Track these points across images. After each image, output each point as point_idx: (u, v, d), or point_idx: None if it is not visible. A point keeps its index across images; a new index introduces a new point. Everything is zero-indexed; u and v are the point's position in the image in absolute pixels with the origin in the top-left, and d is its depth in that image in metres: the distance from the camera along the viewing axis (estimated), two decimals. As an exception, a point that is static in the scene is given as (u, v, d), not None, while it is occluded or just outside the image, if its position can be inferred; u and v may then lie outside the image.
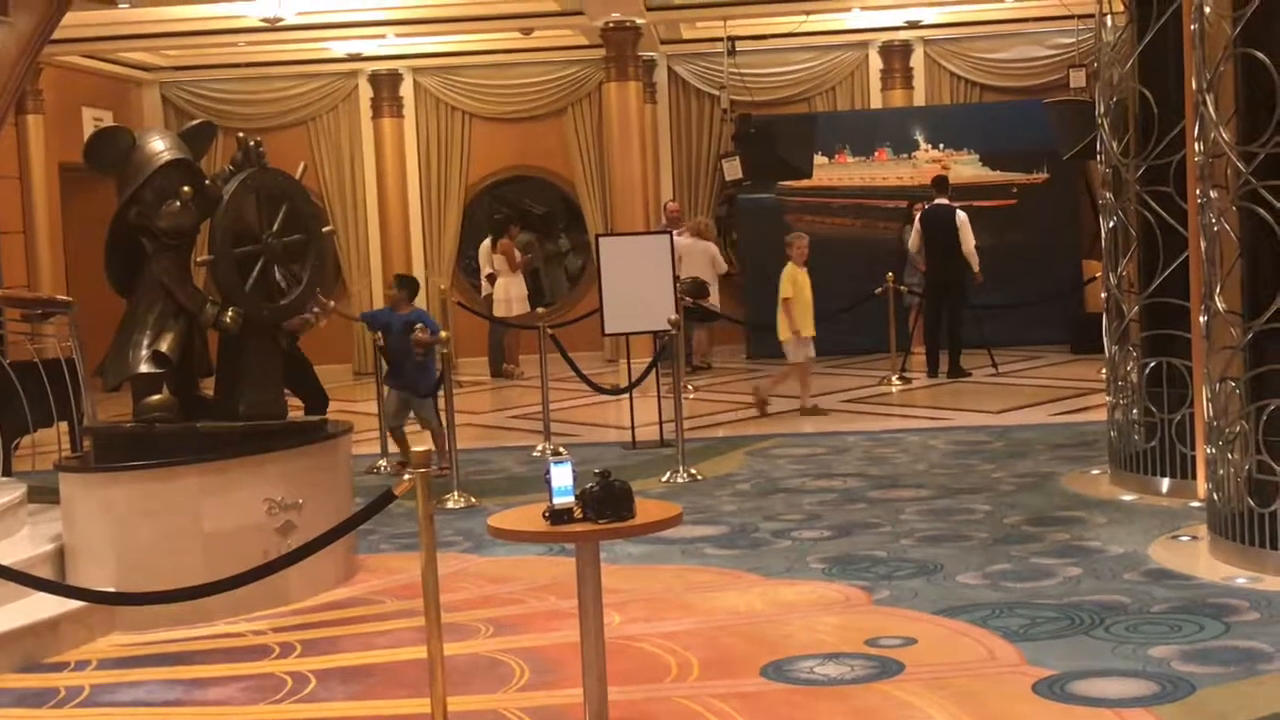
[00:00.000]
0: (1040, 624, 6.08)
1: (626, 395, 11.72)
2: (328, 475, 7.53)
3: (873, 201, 17.81)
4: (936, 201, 15.22)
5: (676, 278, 13.00)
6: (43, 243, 15.83)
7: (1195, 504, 7.97)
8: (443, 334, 10.15)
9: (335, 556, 7.24)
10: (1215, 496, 7.10)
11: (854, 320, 15.39)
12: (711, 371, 16.78)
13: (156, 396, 7.23)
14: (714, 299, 16.43)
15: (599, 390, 12.00)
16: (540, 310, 13.19)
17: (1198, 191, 7.30)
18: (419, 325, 10.53)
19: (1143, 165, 8.45)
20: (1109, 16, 8.95)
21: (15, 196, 15.52)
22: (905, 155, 17.93)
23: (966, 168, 17.78)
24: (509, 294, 16.91)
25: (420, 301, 18.60)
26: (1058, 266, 17.01)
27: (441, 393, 9.97)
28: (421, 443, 9.56)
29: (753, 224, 17.40)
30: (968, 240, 14.87)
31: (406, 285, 11.05)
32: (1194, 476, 8.16)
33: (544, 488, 4.84)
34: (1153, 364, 8.52)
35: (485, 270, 17.40)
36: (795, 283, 12.60)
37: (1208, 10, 7.05)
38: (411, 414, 10.64)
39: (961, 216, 15.01)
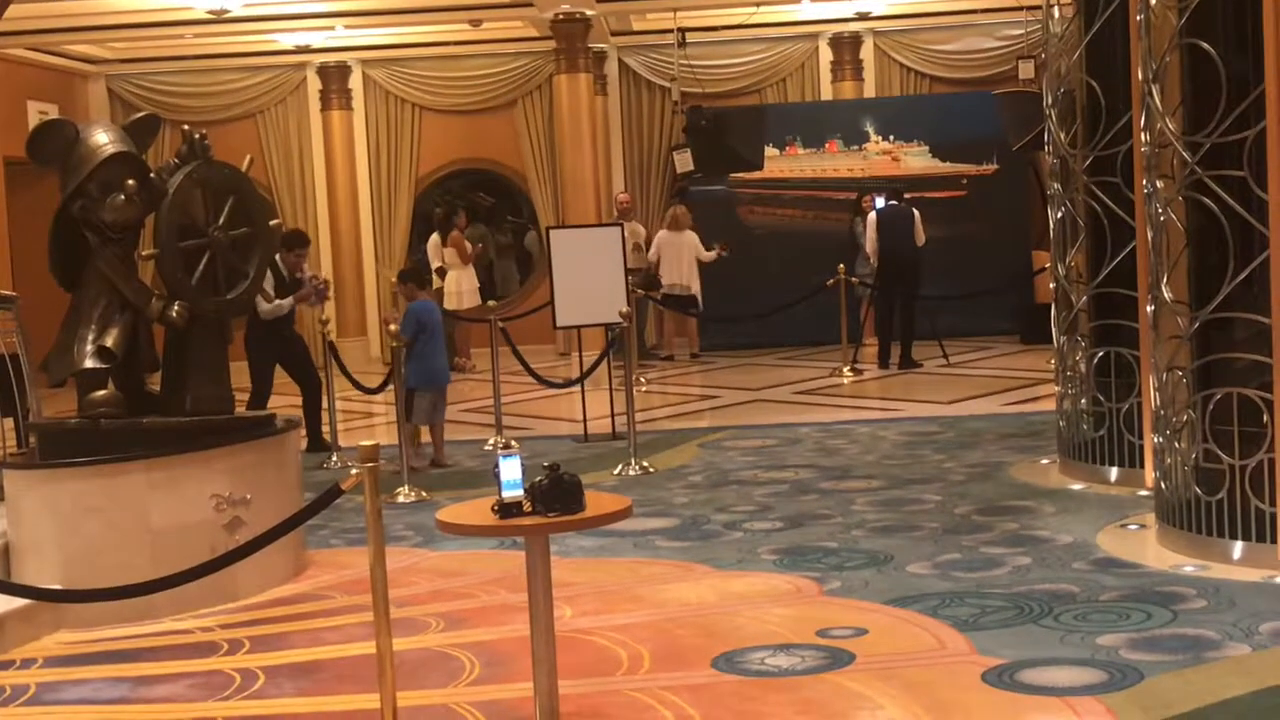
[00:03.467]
0: (990, 613, 6.10)
1: (578, 388, 11.70)
2: (276, 471, 7.48)
3: (824, 193, 17.86)
4: (891, 201, 15.28)
5: (631, 270, 13.00)
6: (-14, 237, 15.68)
7: (1143, 493, 8.02)
8: (391, 328, 10.04)
9: (284, 552, 7.19)
10: (1163, 485, 7.14)
11: (805, 311, 15.43)
12: (665, 364, 16.75)
13: (102, 392, 7.14)
14: (697, 290, 16.48)
15: (546, 384, 11.97)
16: (491, 303, 13.13)
17: (1144, 182, 7.34)
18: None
19: (1090, 156, 8.49)
20: (1056, 8, 8.99)
21: (-41, 191, 15.37)
22: (856, 147, 17.99)
23: (916, 159, 17.86)
24: (460, 287, 16.84)
25: (370, 293, 18.66)
26: (1007, 257, 17.10)
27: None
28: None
29: (704, 216, 17.39)
30: (920, 236, 15.04)
31: (408, 278, 11.04)
32: (1142, 465, 8.21)
33: (494, 481, 4.82)
34: (1101, 354, 8.56)
35: (435, 264, 17.32)
36: None
37: (1153, 1, 7.09)
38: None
39: (917, 215, 15.13)
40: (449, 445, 11.24)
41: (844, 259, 15.30)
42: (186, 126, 7.70)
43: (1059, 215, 8.88)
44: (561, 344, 17.12)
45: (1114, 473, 8.53)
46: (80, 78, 18.49)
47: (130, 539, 6.83)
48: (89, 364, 7.15)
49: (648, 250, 16.73)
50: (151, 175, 7.31)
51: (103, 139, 7.27)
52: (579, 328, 12.50)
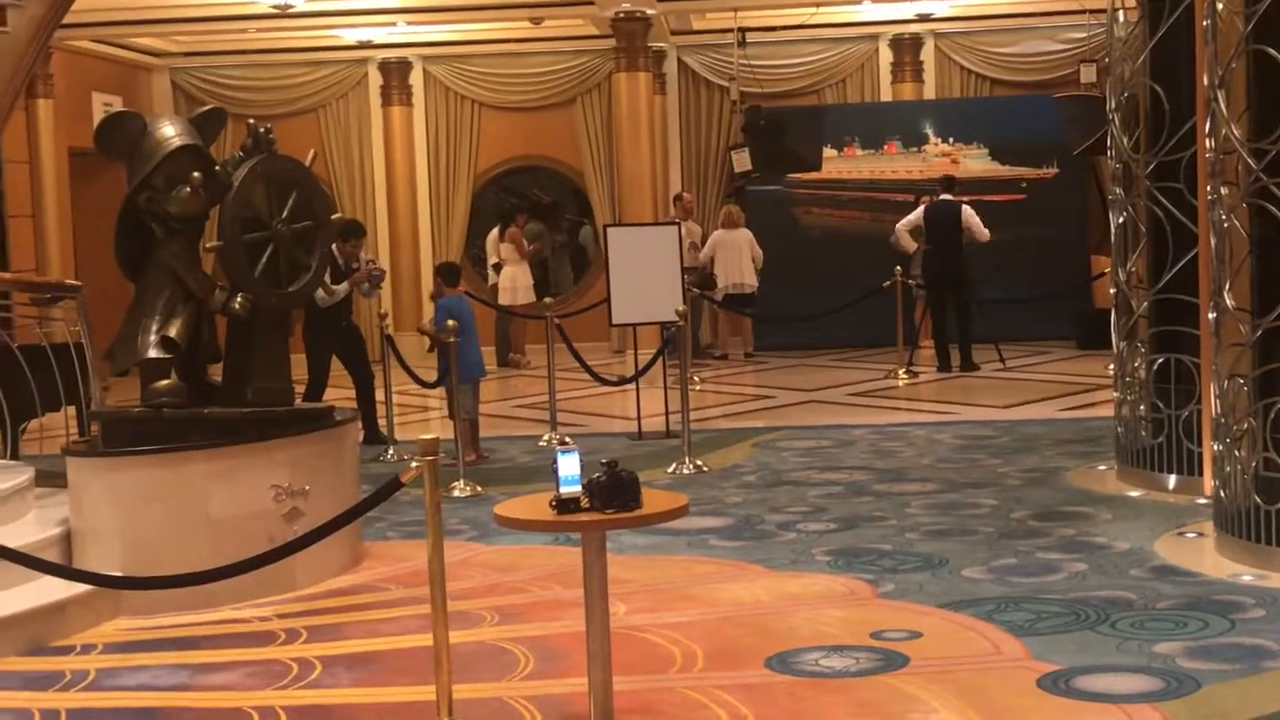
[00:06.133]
0: (1045, 619, 6.07)
1: (633, 386, 11.72)
2: (334, 462, 7.54)
3: (881, 195, 17.80)
4: (942, 197, 15.22)
5: (686, 269, 13.01)
6: (51, 227, 15.87)
7: (1202, 501, 7.95)
8: (449, 323, 10.06)
9: (341, 543, 7.24)
10: (1222, 493, 7.10)
11: (861, 313, 15.40)
12: (719, 363, 16.75)
13: (164, 382, 7.22)
14: (755, 285, 16.52)
15: (603, 381, 11.99)
16: (548, 300, 13.16)
17: (1208, 188, 7.29)
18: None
19: (1153, 161, 8.44)
20: (1121, 12, 8.93)
21: (25, 181, 15.54)
22: (915, 149, 17.92)
23: (976, 162, 17.78)
24: (515, 283, 16.91)
25: (426, 288, 18.73)
26: (1066, 262, 17.01)
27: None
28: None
29: (761, 216, 17.39)
30: (980, 231, 14.95)
31: (439, 273, 11.11)
32: (1201, 473, 8.14)
33: (549, 477, 4.84)
34: (1161, 360, 8.50)
35: (491, 260, 17.41)
36: None
37: (1220, 6, 7.04)
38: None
39: (968, 210, 15.05)
40: (502, 440, 11.31)
41: (901, 261, 15.26)
42: (252, 120, 7.78)
43: (1120, 220, 8.82)
44: (616, 341, 17.15)
45: (1172, 480, 8.47)
46: (144, 70, 18.67)
47: (190, 528, 6.90)
48: (153, 354, 7.23)
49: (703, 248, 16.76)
50: (216, 168, 7.39)
51: (169, 132, 7.34)
52: (634, 325, 12.52)
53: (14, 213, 14.69)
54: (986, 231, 15.07)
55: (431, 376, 11.33)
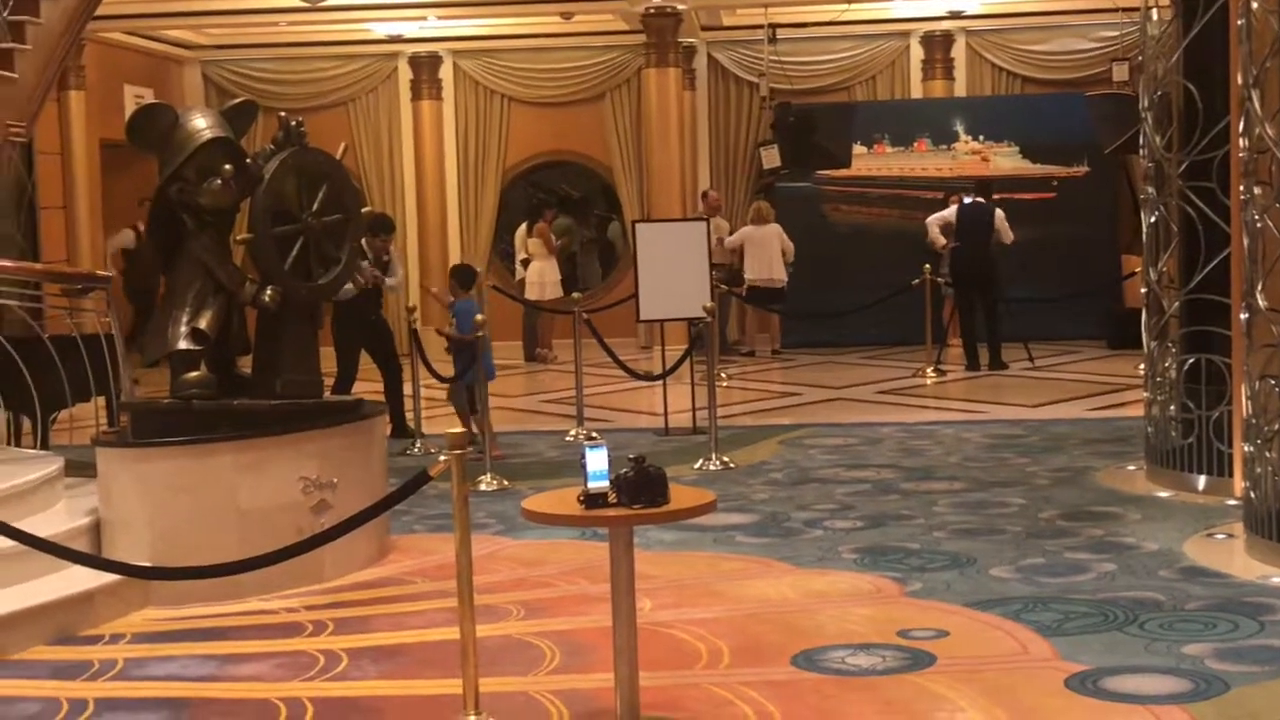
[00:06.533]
0: (1073, 619, 6.05)
1: (660, 382, 11.71)
2: (362, 455, 7.55)
3: (911, 192, 17.74)
4: (976, 199, 15.17)
5: (714, 265, 12.99)
6: (83, 219, 15.93)
7: (1231, 502, 7.91)
8: (477, 318, 10.08)
9: (369, 536, 7.26)
10: (1252, 495, 7.06)
11: (890, 311, 15.36)
12: (746, 360, 16.73)
13: (195, 373, 7.25)
14: (784, 280, 16.47)
15: (634, 376, 11.99)
16: (576, 295, 13.17)
17: (1241, 187, 7.25)
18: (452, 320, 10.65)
19: (1186, 160, 8.39)
20: (1154, 10, 8.89)
21: (56, 172, 15.61)
22: (945, 146, 17.86)
23: (1006, 160, 17.71)
24: (543, 278, 16.93)
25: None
26: (1096, 261, 16.93)
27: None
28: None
29: (790, 212, 17.35)
30: (1007, 234, 14.92)
31: (453, 275, 11.10)
32: (1231, 474, 8.11)
33: (576, 472, 4.84)
34: (1191, 360, 8.46)
35: (520, 255, 17.42)
36: None
37: (1255, 5, 7.00)
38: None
39: (1000, 214, 15.01)
40: (529, 435, 11.31)
41: (929, 259, 15.21)
42: (283, 113, 7.79)
43: (1152, 219, 8.78)
44: (643, 337, 17.14)
45: (1202, 481, 8.42)
46: (176, 63, 18.75)
47: (218, 519, 6.92)
48: (183, 345, 7.26)
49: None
50: (247, 161, 7.40)
51: (201, 124, 7.36)
52: (662, 321, 12.51)
53: (45, 204, 14.75)
54: (1011, 234, 15.07)
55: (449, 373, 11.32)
